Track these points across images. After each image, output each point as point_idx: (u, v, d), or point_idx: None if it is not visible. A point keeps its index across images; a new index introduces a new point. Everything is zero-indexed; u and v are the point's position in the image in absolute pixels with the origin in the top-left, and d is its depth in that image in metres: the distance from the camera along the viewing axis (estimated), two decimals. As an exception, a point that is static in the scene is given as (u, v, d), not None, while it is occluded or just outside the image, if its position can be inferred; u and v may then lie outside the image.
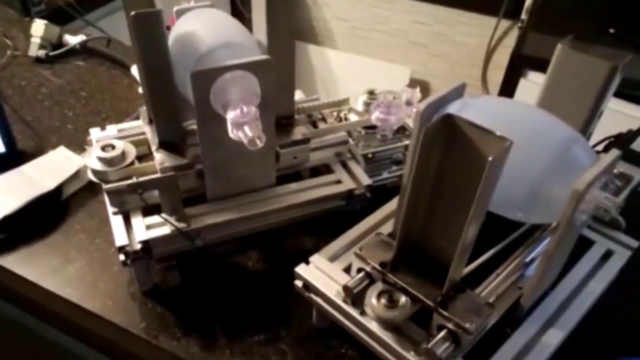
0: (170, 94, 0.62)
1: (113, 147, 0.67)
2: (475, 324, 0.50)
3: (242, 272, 0.72)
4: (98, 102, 1.02)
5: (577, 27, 1.49)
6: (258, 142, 0.55)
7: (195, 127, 0.69)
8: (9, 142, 0.86)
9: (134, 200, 0.66)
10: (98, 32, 1.29)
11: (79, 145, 0.91)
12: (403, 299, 0.53)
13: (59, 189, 0.81)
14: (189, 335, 0.65)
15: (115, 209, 0.66)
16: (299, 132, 0.71)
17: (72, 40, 1.14)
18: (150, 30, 0.57)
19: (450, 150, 0.47)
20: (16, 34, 1.20)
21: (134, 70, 1.07)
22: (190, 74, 0.56)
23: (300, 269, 0.61)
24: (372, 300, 0.54)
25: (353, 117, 0.79)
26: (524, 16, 1.76)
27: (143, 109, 0.73)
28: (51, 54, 1.11)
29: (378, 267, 0.55)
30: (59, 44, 1.14)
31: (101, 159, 0.66)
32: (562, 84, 0.60)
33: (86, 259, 0.74)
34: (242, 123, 0.55)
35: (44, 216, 0.79)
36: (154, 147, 0.67)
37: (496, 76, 1.91)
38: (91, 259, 0.74)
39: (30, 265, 0.73)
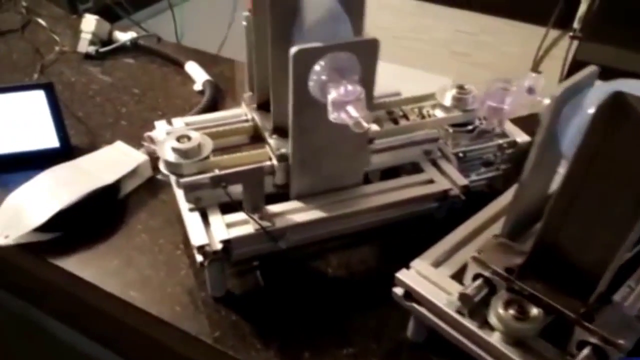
0: None
1: (189, 138, 0.61)
2: (627, 339, 0.43)
3: (323, 279, 0.66)
4: (152, 99, 0.97)
5: (635, 35, 1.43)
6: (364, 123, 0.49)
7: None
8: (63, 137, 0.81)
9: (211, 195, 0.60)
10: (142, 32, 1.25)
11: (135, 141, 0.85)
12: (535, 310, 0.46)
13: (117, 185, 0.75)
14: (269, 346, 0.59)
15: (191, 205, 0.60)
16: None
17: (123, 37, 1.09)
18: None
19: (616, 136, 0.41)
20: (63, 30, 1.16)
21: (189, 67, 1.02)
22: (291, 52, 0.50)
23: (402, 275, 0.54)
24: (499, 310, 0.47)
25: (438, 114, 0.73)
26: (576, 25, 1.70)
27: (247, 95, 0.68)
28: (101, 50, 1.07)
29: (503, 273, 0.48)
30: (109, 40, 1.09)
31: (176, 150, 0.60)
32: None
33: (150, 261, 0.68)
34: (345, 102, 0.49)
35: (102, 214, 0.73)
36: (266, 133, 0.62)
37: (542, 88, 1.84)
38: (155, 261, 0.68)
39: (90, 266, 0.67)
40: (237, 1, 1.58)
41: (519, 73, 1.72)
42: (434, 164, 0.68)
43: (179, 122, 0.72)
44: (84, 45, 1.06)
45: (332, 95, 0.49)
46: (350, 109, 0.48)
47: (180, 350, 0.66)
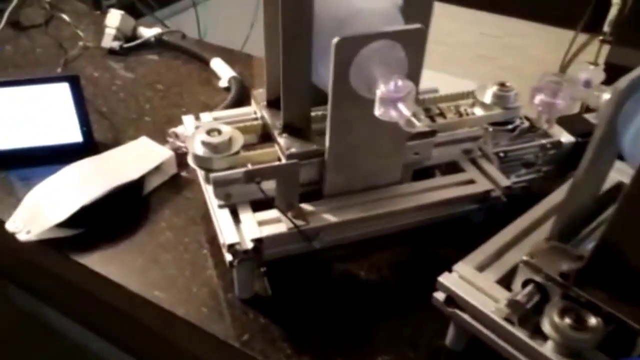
0: (307, 68, 0.54)
1: (219, 132, 0.59)
2: (700, 354, 0.39)
3: (355, 281, 0.63)
4: (176, 95, 0.95)
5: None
6: (416, 121, 0.46)
7: (319, 112, 0.61)
8: (87, 132, 0.79)
9: (242, 192, 0.57)
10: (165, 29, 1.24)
11: (159, 137, 0.83)
12: (593, 319, 0.43)
13: (141, 181, 0.73)
14: (299, 352, 0.56)
15: (221, 202, 0.57)
16: (424, 123, 0.62)
17: (147, 32, 1.07)
18: None
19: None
20: (86, 26, 1.15)
21: (214, 63, 0.99)
22: (335, 41, 0.47)
23: (445, 278, 0.51)
24: (554, 318, 0.43)
25: (477, 112, 0.69)
26: (606, 28, 1.66)
27: (258, 91, 0.65)
28: (125, 45, 1.05)
29: (558, 279, 0.45)
30: (133, 36, 1.08)
31: (206, 144, 0.58)
32: None
33: (175, 260, 0.65)
34: (396, 99, 0.46)
35: (125, 210, 0.71)
36: (276, 132, 0.58)
37: (569, 93, 1.80)
38: (181, 260, 0.65)
39: (113, 264, 0.65)
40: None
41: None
42: (474, 163, 0.65)
43: (207, 117, 0.69)
44: (108, 41, 1.05)
45: (381, 90, 0.46)
46: (402, 106, 0.45)
47: (204, 353, 0.64)
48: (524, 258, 0.47)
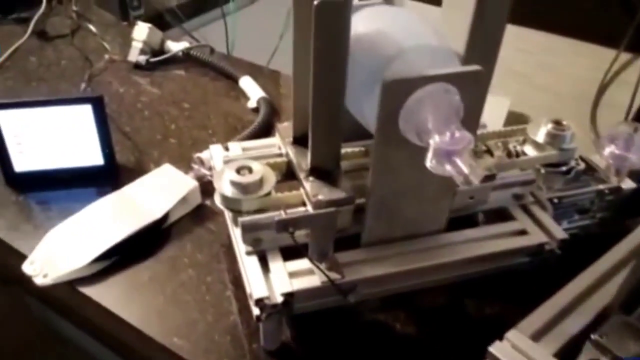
0: (340, 106, 0.49)
1: (250, 170, 0.54)
2: None
3: (390, 335, 0.58)
4: (203, 115, 0.91)
5: None
6: (475, 179, 0.40)
7: (349, 149, 0.56)
8: (109, 154, 0.75)
9: (273, 237, 0.53)
10: (192, 41, 1.20)
11: (184, 162, 0.79)
12: (676, 416, 0.37)
13: (164, 215, 0.68)
14: (329, 415, 0.51)
15: (249, 248, 0.53)
16: (482, 164, 0.56)
17: (175, 47, 1.04)
18: (334, 23, 0.43)
19: None
20: (113, 38, 1.11)
21: (243, 82, 0.95)
22: (383, 82, 0.42)
23: (497, 349, 0.45)
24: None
25: (528, 151, 0.64)
26: (651, 48, 1.58)
27: (283, 125, 0.60)
28: (152, 60, 1.01)
29: (632, 365, 0.39)
30: (160, 50, 1.04)
31: (235, 184, 0.53)
32: None
33: (197, 302, 0.61)
34: (452, 153, 0.40)
35: (146, 245, 0.67)
36: (302, 175, 0.53)
37: (608, 115, 1.72)
38: (203, 302, 0.61)
39: (131, 304, 0.61)
40: (290, 12, 1.52)
41: (583, 98, 1.61)
42: (525, 210, 0.59)
43: (235, 148, 0.65)
44: (135, 54, 1.01)
45: (435, 141, 0.41)
46: (458, 161, 0.40)
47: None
48: (593, 337, 0.41)
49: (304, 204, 0.53)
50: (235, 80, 0.97)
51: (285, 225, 0.48)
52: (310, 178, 0.52)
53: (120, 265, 0.64)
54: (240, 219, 0.51)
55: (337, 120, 0.49)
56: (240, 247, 0.53)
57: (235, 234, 0.55)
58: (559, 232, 0.56)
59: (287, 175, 0.59)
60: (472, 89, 0.45)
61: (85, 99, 0.71)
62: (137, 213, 0.66)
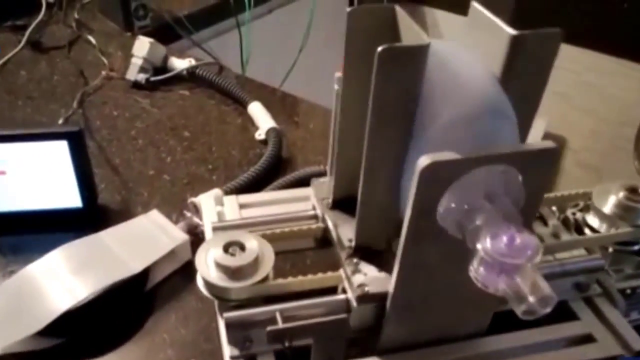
0: (401, 170, 0.37)
1: (242, 247, 0.43)
2: None
3: None
4: (204, 147, 0.79)
5: None
6: (538, 306, 0.28)
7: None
8: (89, 197, 0.65)
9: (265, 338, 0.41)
10: (203, 54, 1.09)
11: (176, 205, 0.68)
12: None
13: (145, 273, 0.57)
14: None
15: (236, 352, 0.41)
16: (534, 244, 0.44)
17: (179, 64, 0.93)
18: (404, 71, 0.32)
19: None
20: (114, 51, 1.01)
21: (252, 108, 0.84)
22: (420, 164, 0.30)
23: None
24: None
25: (592, 221, 0.51)
26: None
27: (320, 182, 0.49)
28: (152, 79, 0.90)
29: None
30: (163, 67, 0.93)
31: (222, 268, 0.41)
32: None
33: (174, 397, 0.49)
34: (510, 268, 0.28)
35: (120, 312, 0.56)
36: (343, 253, 0.42)
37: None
38: (181, 398, 0.49)
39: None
40: (311, 24, 1.41)
41: (629, 123, 1.46)
42: (589, 303, 0.47)
43: (231, 205, 0.53)
44: (134, 72, 0.90)
45: (486, 248, 0.29)
46: (519, 279, 0.28)
47: None
48: None
49: (321, 293, 0.42)
50: (243, 105, 0.86)
51: (279, 337, 0.36)
52: (354, 259, 0.41)
53: (86, 340, 0.53)
54: (226, 315, 0.40)
55: (396, 186, 0.37)
56: (225, 349, 0.42)
57: (220, 326, 0.43)
58: (636, 341, 0.43)
59: (322, 243, 0.48)
60: (541, 169, 0.32)
61: (60, 134, 0.60)
62: (112, 264, 0.55)
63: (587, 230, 0.52)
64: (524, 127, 0.36)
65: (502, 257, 0.29)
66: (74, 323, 0.53)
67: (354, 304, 0.40)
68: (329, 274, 0.43)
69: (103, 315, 0.54)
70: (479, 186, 0.32)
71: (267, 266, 0.42)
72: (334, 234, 0.44)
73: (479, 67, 0.35)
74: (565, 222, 0.52)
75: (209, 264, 0.43)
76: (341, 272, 0.43)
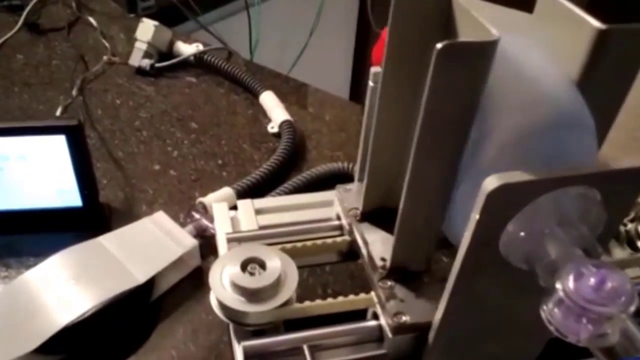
0: (453, 183, 0.32)
1: (263, 265, 0.38)
2: None
3: None
4: (212, 139, 0.74)
5: None
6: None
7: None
8: (89, 195, 0.60)
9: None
10: (209, 38, 1.03)
11: (183, 204, 0.63)
12: None
13: (150, 282, 0.53)
14: None
15: (255, 385, 0.36)
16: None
17: (186, 49, 0.87)
18: (469, 72, 0.26)
19: None
20: (116, 34, 0.95)
21: (265, 99, 0.78)
22: (486, 187, 0.25)
23: None
24: None
25: (647, 236, 0.46)
26: None
27: (346, 188, 0.43)
28: (157, 65, 0.85)
29: None
30: (169, 52, 0.87)
31: (240, 289, 0.37)
32: None
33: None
34: (598, 316, 0.23)
35: (123, 326, 0.51)
36: (375, 276, 0.37)
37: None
38: None
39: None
40: (323, 4, 1.34)
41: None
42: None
43: (246, 209, 0.48)
44: (137, 58, 0.85)
45: (568, 290, 0.24)
46: (609, 331, 0.23)
47: None
48: None
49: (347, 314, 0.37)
50: (255, 95, 0.80)
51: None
52: (389, 282, 0.36)
53: (86, 356, 0.48)
54: (243, 344, 0.35)
55: (444, 202, 0.32)
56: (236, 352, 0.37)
57: (237, 354, 0.38)
58: None
59: (346, 256, 0.43)
60: (626, 192, 0.27)
61: (58, 128, 0.55)
62: (114, 273, 0.51)
63: (641, 245, 0.46)
64: (599, 139, 0.31)
65: (588, 303, 0.24)
66: (74, 338, 0.48)
67: (389, 334, 0.35)
68: (361, 296, 0.38)
69: (105, 329, 0.50)
70: (551, 211, 0.27)
71: (290, 287, 0.37)
72: (364, 251, 0.39)
73: (553, 68, 0.29)
74: (630, 241, 0.47)
75: (224, 284, 0.38)
76: (372, 295, 0.38)
